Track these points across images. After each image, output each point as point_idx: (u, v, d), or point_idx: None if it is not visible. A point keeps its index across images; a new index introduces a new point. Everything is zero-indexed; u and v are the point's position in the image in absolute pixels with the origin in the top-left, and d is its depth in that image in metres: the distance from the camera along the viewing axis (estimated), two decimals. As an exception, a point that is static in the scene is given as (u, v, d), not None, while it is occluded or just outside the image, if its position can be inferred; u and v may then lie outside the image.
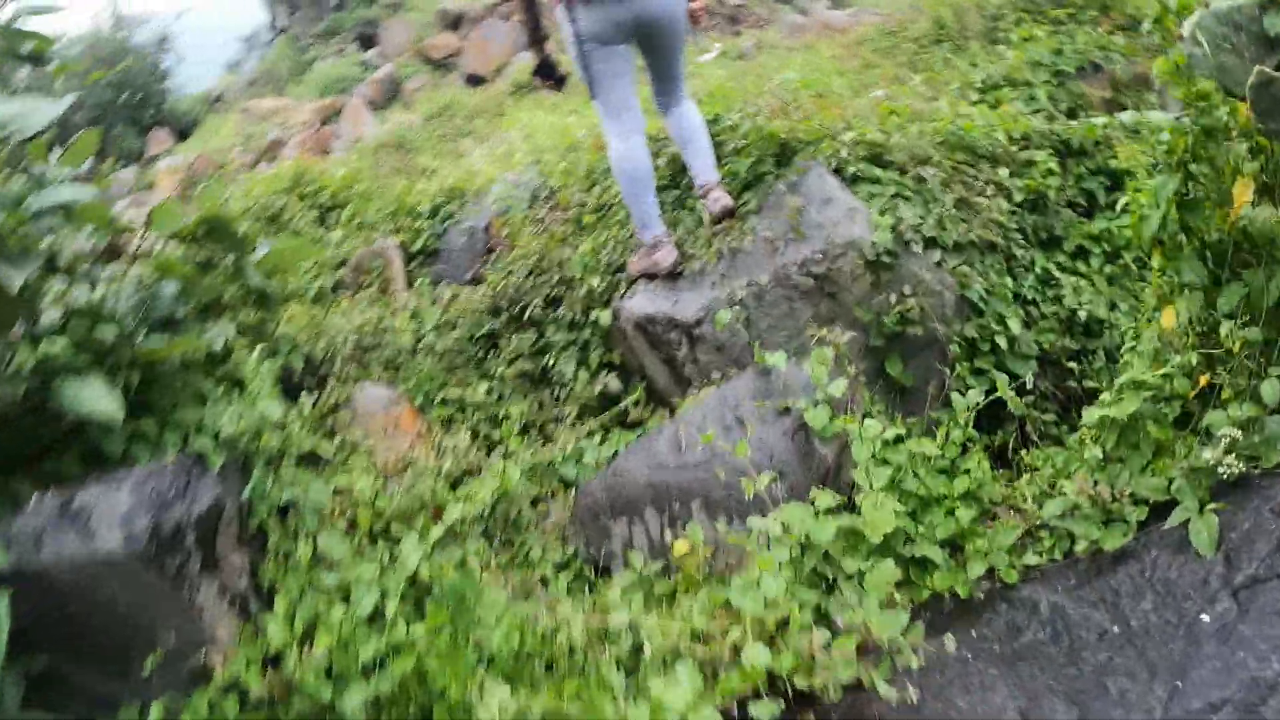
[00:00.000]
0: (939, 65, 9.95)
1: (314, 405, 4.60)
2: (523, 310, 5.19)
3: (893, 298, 4.40)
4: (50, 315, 3.74)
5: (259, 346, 4.87)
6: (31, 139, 3.78)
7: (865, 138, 4.88)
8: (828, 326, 4.06)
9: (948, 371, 4.41)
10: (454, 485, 4.37)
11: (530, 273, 5.19)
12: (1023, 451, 3.84)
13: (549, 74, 4.75)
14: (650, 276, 4.77)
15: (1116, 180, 5.39)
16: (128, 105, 24.35)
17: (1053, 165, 5.24)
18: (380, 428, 4.71)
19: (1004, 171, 5.09)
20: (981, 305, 4.59)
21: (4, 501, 3.32)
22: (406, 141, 11.83)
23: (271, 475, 3.98)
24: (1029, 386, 4.46)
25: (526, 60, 16.64)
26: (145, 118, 24.55)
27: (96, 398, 3.44)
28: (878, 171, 4.77)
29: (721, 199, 4.63)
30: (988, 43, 9.92)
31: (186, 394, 4.27)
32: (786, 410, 3.58)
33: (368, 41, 23.06)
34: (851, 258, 4.38)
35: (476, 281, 5.80)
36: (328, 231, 6.39)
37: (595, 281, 4.88)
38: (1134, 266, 5.00)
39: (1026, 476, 3.54)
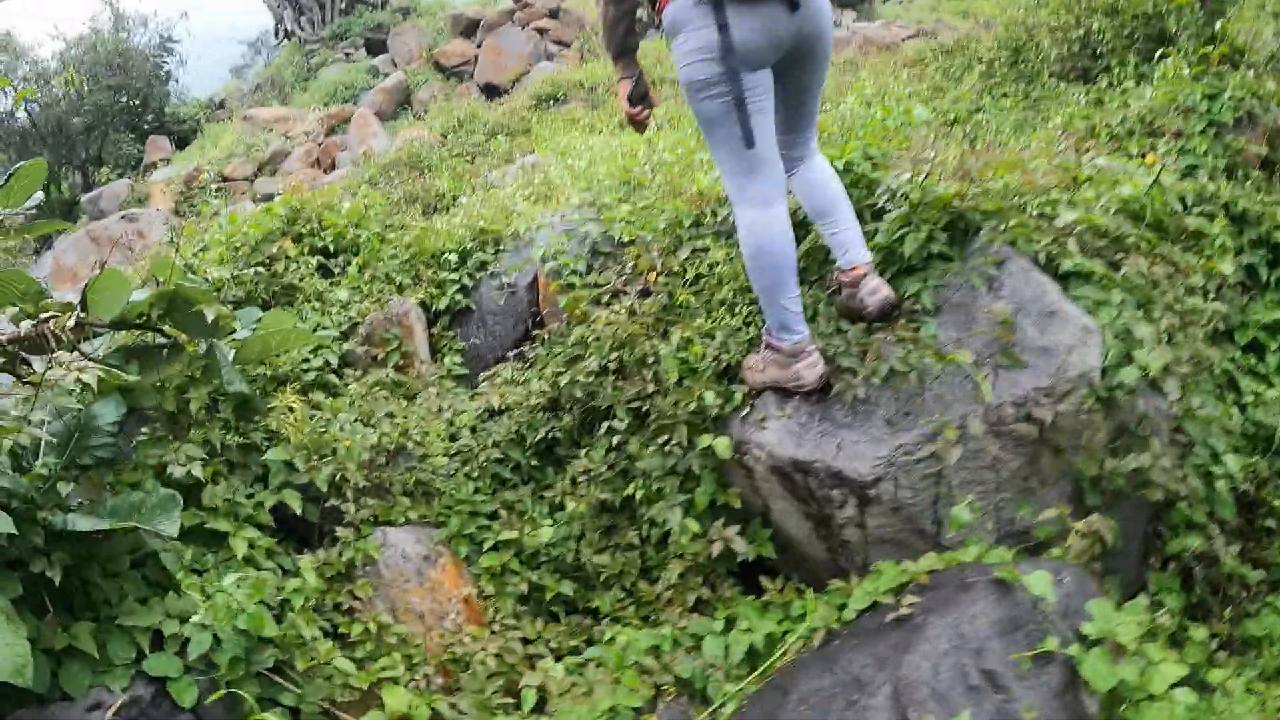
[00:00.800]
0: (1037, 98, 8.77)
1: (321, 569, 3.36)
2: (594, 416, 3.91)
3: (1118, 445, 3.31)
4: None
5: (238, 479, 3.61)
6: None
7: (1091, 221, 3.61)
8: (1036, 482, 3.23)
9: (1158, 524, 3.48)
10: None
11: (603, 369, 3.90)
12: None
13: (641, 101, 3.46)
14: (782, 391, 3.52)
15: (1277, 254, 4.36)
16: (126, 110, 23.22)
17: (1228, 238, 4.14)
18: (415, 598, 3.45)
19: (1175, 248, 3.93)
20: (1195, 436, 3.46)
21: None
22: (421, 159, 10.57)
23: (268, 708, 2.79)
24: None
25: (548, 71, 15.61)
26: (145, 123, 23.41)
27: None
28: (1097, 267, 3.50)
29: (881, 289, 3.49)
30: (1075, 75, 8.74)
31: (134, 580, 3.01)
32: (1048, 655, 2.48)
33: (377, 48, 21.87)
34: (1080, 396, 3.21)
35: (521, 357, 4.52)
36: (331, 286, 5.10)
37: (706, 394, 3.59)
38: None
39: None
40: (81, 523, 2.75)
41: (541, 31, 18.03)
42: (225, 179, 16.23)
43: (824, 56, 3.40)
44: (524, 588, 3.68)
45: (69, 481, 2.95)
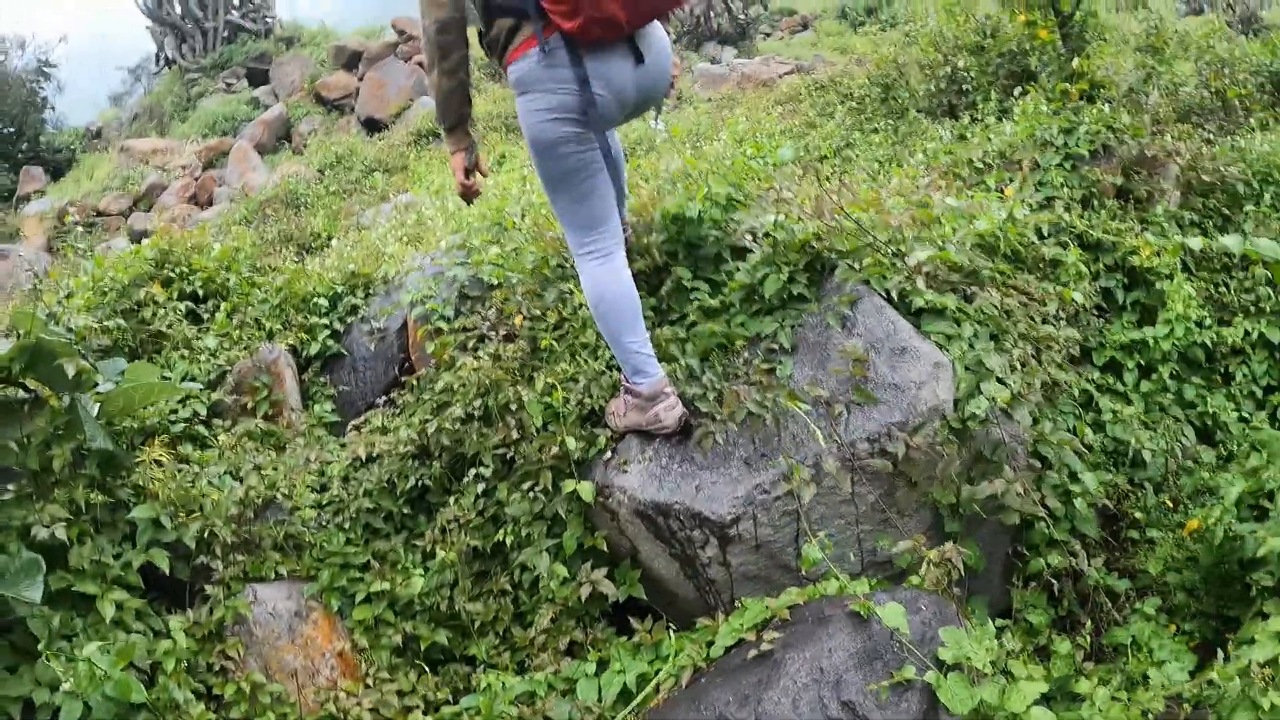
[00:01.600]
0: (905, 134, 9.05)
1: (192, 629, 3.30)
2: (463, 463, 3.92)
3: (974, 473, 3.45)
4: None
5: (105, 538, 3.52)
6: None
7: (943, 258, 3.77)
8: (894, 513, 3.34)
9: (1018, 544, 3.59)
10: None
11: (470, 416, 3.92)
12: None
13: (473, 172, 3.54)
14: (644, 434, 3.61)
15: (1134, 278, 4.61)
16: (1, 138, 22.35)
17: (1082, 266, 4.40)
18: (288, 655, 3.42)
19: (1030, 278, 4.19)
20: (1051, 458, 3.61)
21: None
22: (297, 197, 10.41)
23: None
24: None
25: (430, 106, 15.46)
26: (19, 152, 22.59)
27: None
28: (949, 301, 3.66)
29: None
30: (943, 111, 9.05)
31: (1, 649, 2.93)
32: (907, 683, 2.60)
33: (259, 78, 21.51)
34: (934, 427, 3.36)
35: (391, 403, 4.51)
36: (201, 333, 5.02)
37: (568, 440, 3.64)
38: (1170, 382, 4.38)
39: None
40: None
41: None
42: (99, 213, 15.78)
43: (657, 108, 3.53)
44: (399, 639, 3.66)
45: None
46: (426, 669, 3.65)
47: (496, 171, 9.58)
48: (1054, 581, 3.47)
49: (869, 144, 9.15)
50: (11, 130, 22.86)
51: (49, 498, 3.46)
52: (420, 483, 4.02)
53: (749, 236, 4.03)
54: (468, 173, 3.39)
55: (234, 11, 23.71)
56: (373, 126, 15.91)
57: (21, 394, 3.63)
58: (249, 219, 10.42)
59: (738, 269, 3.91)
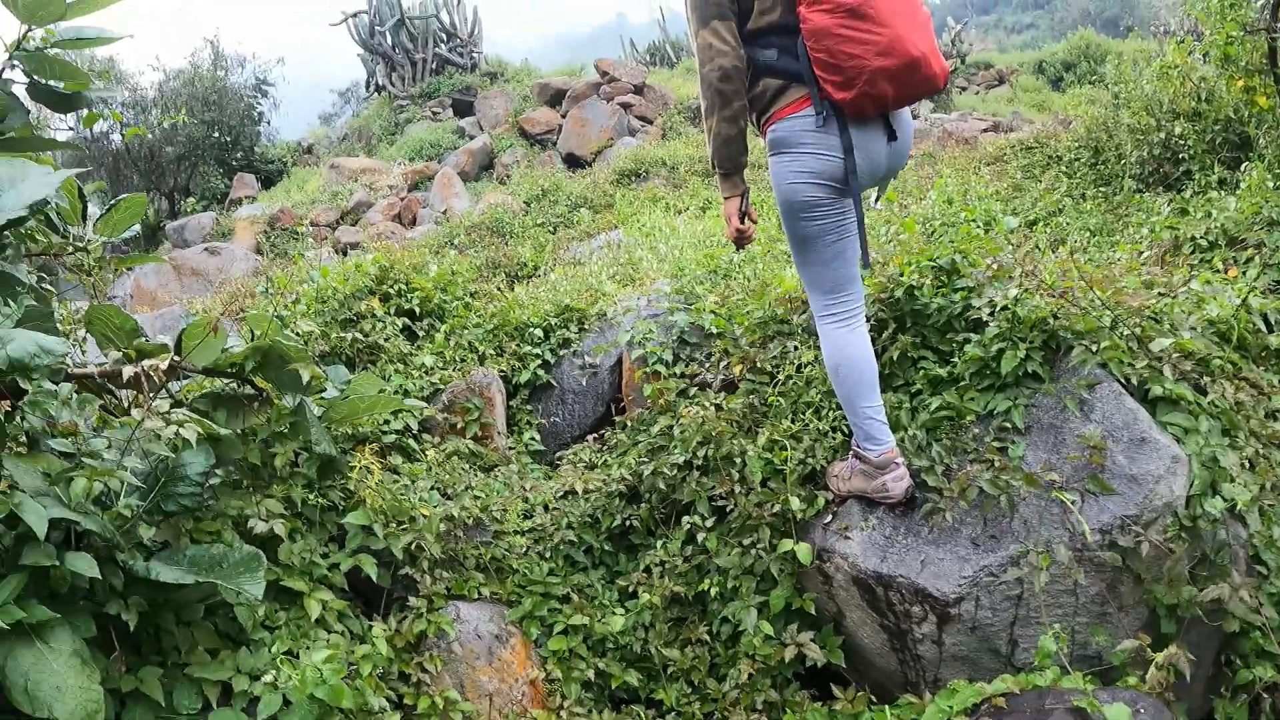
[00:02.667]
0: (1117, 202, 8.68)
1: (392, 639, 3.34)
2: (675, 511, 3.90)
3: (1196, 573, 3.26)
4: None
5: (314, 538, 3.61)
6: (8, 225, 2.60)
7: (1184, 346, 3.57)
8: (1114, 608, 3.19)
9: (1228, 652, 3.32)
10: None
11: (688, 463, 3.89)
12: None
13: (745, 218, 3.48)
14: (867, 501, 3.53)
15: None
16: (218, 145, 23.80)
17: None
18: (484, 676, 3.43)
19: (1257, 369, 3.88)
20: (1273, 565, 3.35)
21: None
22: (503, 226, 10.67)
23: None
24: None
25: (632, 146, 15.79)
26: (234, 159, 23.97)
27: (63, 690, 2.25)
28: (1186, 392, 3.46)
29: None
30: (1156, 180, 8.64)
31: (206, 629, 3.01)
32: None
33: (463, 109, 22.32)
34: (1165, 524, 3.19)
35: (601, 440, 4.53)
36: (416, 349, 5.16)
37: (792, 499, 3.57)
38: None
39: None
40: (166, 573, 2.72)
41: (626, 106, 18.29)
42: (313, 224, 16.56)
43: (881, 188, 3.51)
44: (590, 674, 3.64)
45: (150, 525, 2.96)
46: (610, 708, 3.61)
47: (699, 218, 9.62)
48: (1263, 695, 3.21)
49: (1079, 211, 8.80)
50: (229, 140, 24.21)
51: (266, 493, 3.56)
52: (627, 522, 4.00)
53: (986, 310, 3.88)
54: (742, 218, 3.35)
55: (442, 45, 24.73)
56: (574, 163, 16.28)
57: (249, 391, 3.77)
58: (454, 243, 10.70)
59: (968, 340, 3.78)
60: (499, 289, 6.37)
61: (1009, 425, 3.56)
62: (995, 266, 4.01)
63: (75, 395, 3.17)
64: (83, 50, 3.37)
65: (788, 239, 3.40)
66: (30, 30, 3.19)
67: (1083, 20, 54.40)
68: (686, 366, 4.44)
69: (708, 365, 4.37)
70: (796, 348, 4.11)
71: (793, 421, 3.89)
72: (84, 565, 2.49)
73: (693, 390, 4.29)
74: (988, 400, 3.66)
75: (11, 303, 2.70)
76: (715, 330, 4.51)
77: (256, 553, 2.98)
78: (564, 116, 18.77)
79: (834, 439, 3.79)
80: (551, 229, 10.60)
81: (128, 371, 3.29)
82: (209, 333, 3.57)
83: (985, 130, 15.67)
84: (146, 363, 3.44)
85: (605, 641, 3.76)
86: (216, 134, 23.85)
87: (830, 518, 3.62)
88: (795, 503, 3.55)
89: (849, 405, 3.44)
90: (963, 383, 3.74)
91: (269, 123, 27.07)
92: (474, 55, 24.93)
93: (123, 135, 22.62)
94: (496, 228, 10.70)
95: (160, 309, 11.48)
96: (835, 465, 3.70)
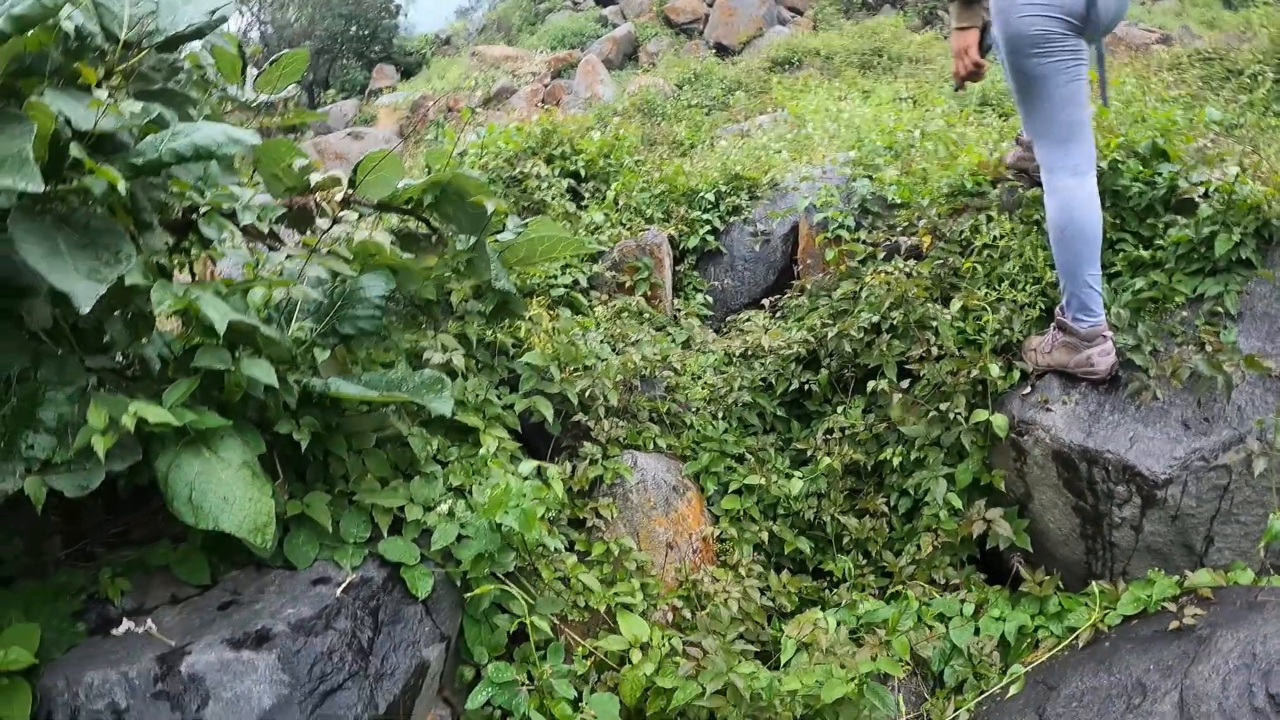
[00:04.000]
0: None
1: (567, 481, 3.27)
2: (857, 377, 3.73)
3: None
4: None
5: (485, 378, 3.54)
6: (172, 41, 2.52)
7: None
8: None
9: None
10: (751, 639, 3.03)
11: (875, 327, 3.70)
12: None
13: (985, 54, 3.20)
14: (1067, 376, 3.32)
15: None
16: (356, 38, 23.97)
17: None
18: (659, 527, 3.35)
19: None
20: None
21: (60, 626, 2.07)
22: (655, 107, 10.42)
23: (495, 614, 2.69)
24: None
25: (783, 35, 15.30)
26: (372, 53, 24.08)
27: (230, 501, 2.14)
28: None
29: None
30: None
31: (377, 458, 2.95)
32: None
33: (606, -2, 21.94)
34: None
35: (774, 306, 4.37)
36: (580, 209, 5.05)
37: (990, 366, 3.37)
38: None
39: None
40: (347, 388, 2.63)
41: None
42: (450, 108, 16.55)
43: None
44: (763, 537, 3.54)
45: (325, 348, 2.89)
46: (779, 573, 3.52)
47: (858, 103, 9.26)
48: None
49: (1264, 126, 8.22)
50: (366, 33, 24.30)
51: (440, 329, 3.49)
52: (805, 387, 3.85)
53: (1200, 190, 3.58)
54: (981, 52, 3.10)
55: (584, -68, 24.32)
56: (722, 51, 15.85)
57: (424, 229, 3.69)
58: (604, 123, 10.54)
59: (1172, 224, 3.51)
60: (663, 158, 6.22)
61: (1220, 310, 3.33)
62: (1208, 146, 3.70)
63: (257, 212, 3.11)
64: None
65: (1012, 82, 3.14)
66: None
67: (1261, -72, 50.77)
68: (869, 234, 4.22)
69: (893, 234, 4.15)
70: (990, 219, 3.86)
71: (988, 291, 3.66)
72: (261, 372, 2.35)
73: (878, 256, 4.08)
74: (1196, 284, 3.42)
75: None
76: (899, 200, 4.27)
77: (440, 375, 2.90)
78: (710, 5, 18.25)
79: (1031, 312, 3.57)
80: (705, 110, 10.33)
81: (300, 203, 3.23)
82: (383, 162, 3.50)
83: (1157, 42, 14.85)
84: (319, 194, 3.39)
85: (778, 505, 3.65)
86: (354, 28, 23.95)
87: (1029, 390, 3.42)
88: (995, 370, 3.35)
89: (1068, 270, 3.19)
90: (1168, 265, 3.49)
91: (405, 15, 27.08)
92: (617, -57, 24.41)
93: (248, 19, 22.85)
94: (648, 109, 10.46)
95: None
96: (1033, 338, 3.48)
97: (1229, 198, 3.42)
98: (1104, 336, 3.24)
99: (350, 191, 3.46)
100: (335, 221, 3.25)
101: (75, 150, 1.92)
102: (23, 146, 1.72)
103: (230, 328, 2.13)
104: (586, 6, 21.73)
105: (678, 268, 4.88)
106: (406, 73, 23.50)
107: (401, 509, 2.83)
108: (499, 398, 3.50)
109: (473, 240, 3.47)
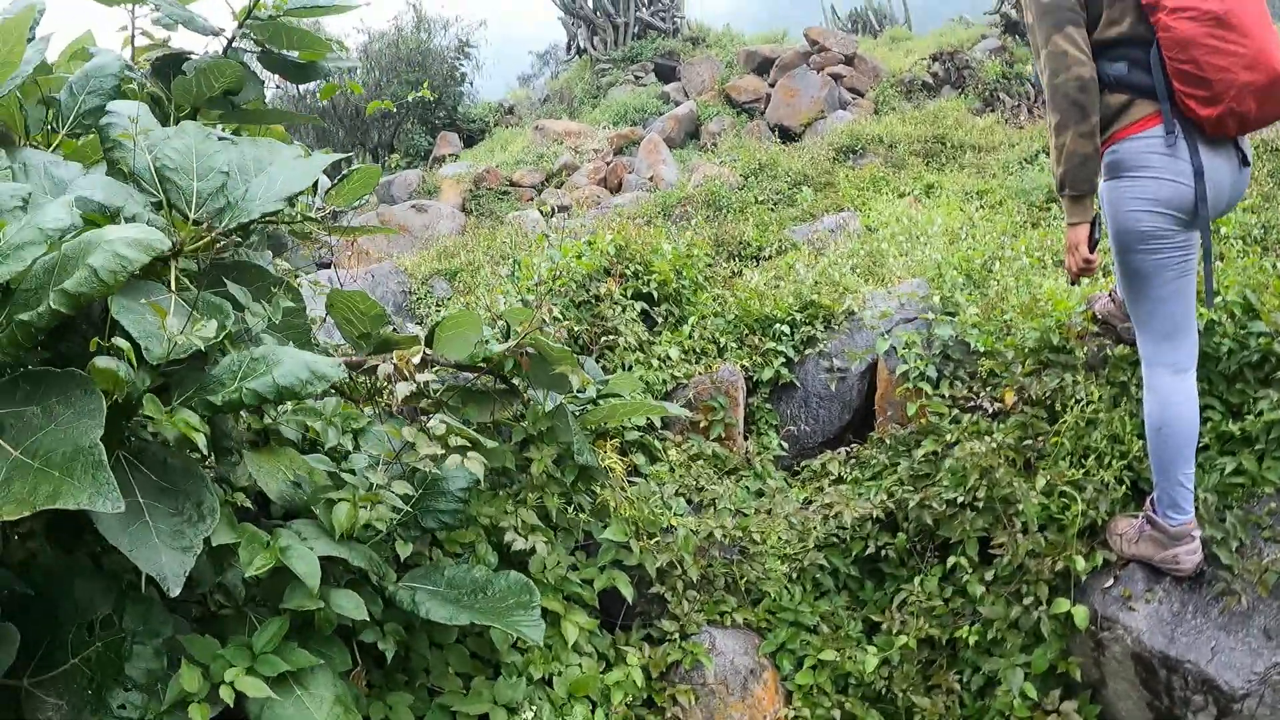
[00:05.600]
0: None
1: (645, 665, 3.18)
2: (933, 541, 3.63)
3: None
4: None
5: (562, 547, 3.47)
6: (244, 227, 2.47)
7: None
8: None
9: None
10: None
11: (956, 500, 3.60)
12: None
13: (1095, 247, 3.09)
14: (1150, 568, 3.25)
15: None
16: (421, 104, 24.29)
17: None
18: (735, 712, 3.25)
19: None
20: None
21: None
22: (720, 199, 10.38)
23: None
24: None
25: (846, 120, 15.23)
26: (436, 118, 24.44)
27: None
28: None
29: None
30: None
31: (459, 652, 2.87)
32: None
33: (667, 74, 22.07)
34: None
35: (851, 454, 4.28)
36: (654, 337, 4.99)
37: (1076, 559, 3.27)
38: None
39: None
40: (437, 610, 2.57)
41: (836, 78, 17.68)
42: (513, 184, 16.68)
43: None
44: (835, 714, 3.42)
45: (407, 543, 2.82)
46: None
47: (921, 203, 9.18)
48: None
49: None
50: (433, 100, 24.66)
51: (520, 499, 3.43)
52: (881, 551, 3.75)
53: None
54: (1092, 247, 3.01)
55: (644, 9, 24.49)
56: (784, 134, 15.83)
57: (502, 386, 3.64)
58: (668, 213, 10.54)
59: (1264, 395, 3.39)
60: (734, 273, 6.16)
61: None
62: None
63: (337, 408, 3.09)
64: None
65: (1118, 274, 3.07)
66: None
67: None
68: (950, 386, 4.14)
69: (974, 387, 4.06)
70: (1077, 382, 3.75)
71: (1072, 466, 3.55)
72: (351, 607, 2.35)
73: (955, 413, 3.99)
74: (1292, 476, 3.30)
75: (267, 304, 2.60)
76: (982, 348, 4.18)
77: (526, 583, 2.81)
78: (772, 85, 18.29)
79: (1118, 490, 3.46)
80: (771, 206, 10.28)
81: (383, 369, 3.20)
82: (462, 320, 3.47)
83: None
84: (398, 354, 3.36)
85: (849, 676, 3.53)
86: (419, 92, 24.33)
87: (1111, 581, 3.32)
88: (1080, 563, 3.25)
89: (1161, 468, 3.10)
90: (1258, 445, 3.37)
91: (471, 83, 27.49)
92: (675, 20, 24.60)
93: (351, 97, 23.23)
94: (713, 201, 10.42)
95: (369, 265, 11.70)
96: (1119, 522, 3.37)
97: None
98: (1192, 536, 3.16)
99: (428, 351, 3.45)
100: (415, 394, 3.22)
101: (150, 407, 1.88)
102: (93, 441, 1.64)
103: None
104: (649, 82, 21.90)
105: (750, 400, 4.80)
106: (470, 140, 23.79)
107: (485, 716, 2.76)
108: (576, 567, 3.43)
109: (553, 403, 3.43)
